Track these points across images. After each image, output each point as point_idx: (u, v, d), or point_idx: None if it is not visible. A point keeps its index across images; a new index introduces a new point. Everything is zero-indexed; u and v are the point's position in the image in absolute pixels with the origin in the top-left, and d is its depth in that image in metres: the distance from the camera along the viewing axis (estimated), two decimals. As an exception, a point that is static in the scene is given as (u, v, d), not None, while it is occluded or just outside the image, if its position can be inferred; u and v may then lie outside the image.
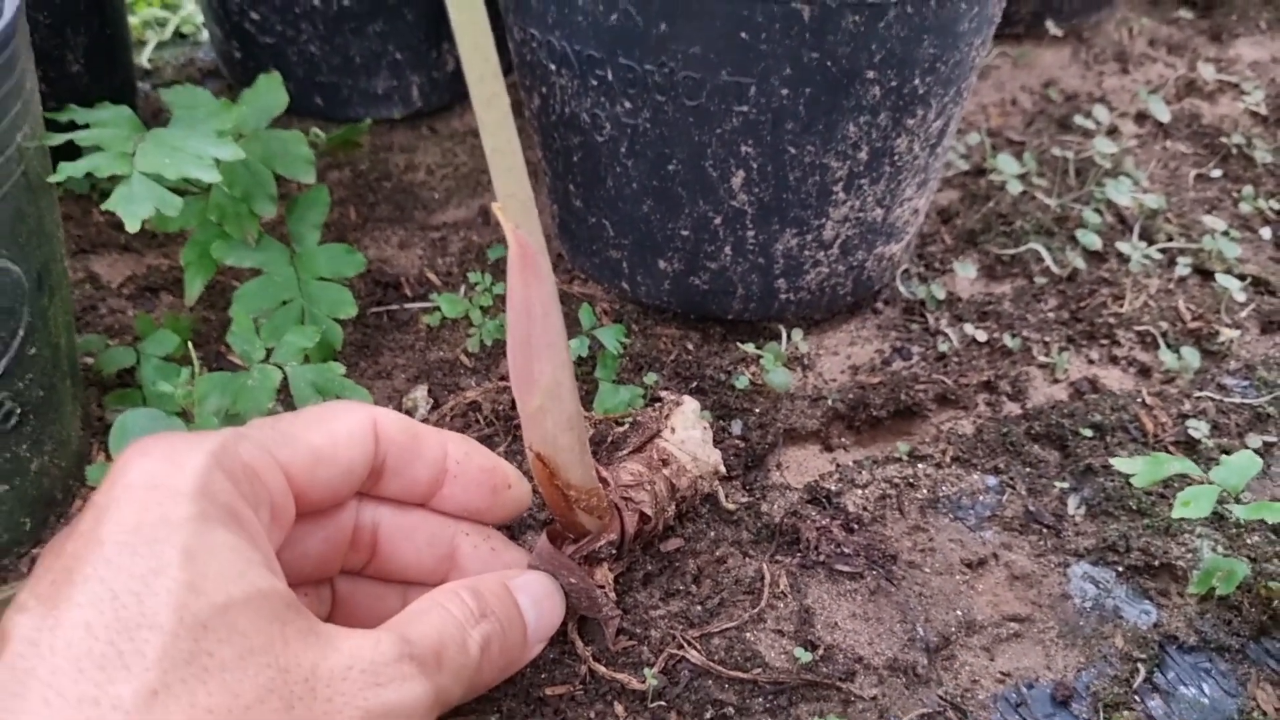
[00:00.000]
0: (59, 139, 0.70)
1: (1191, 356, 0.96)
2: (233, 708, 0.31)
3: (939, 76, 0.83)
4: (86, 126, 0.74)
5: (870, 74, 0.80)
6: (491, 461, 0.49)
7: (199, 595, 0.33)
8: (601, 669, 0.69)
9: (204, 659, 0.32)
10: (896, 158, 0.87)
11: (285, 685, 0.32)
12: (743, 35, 0.77)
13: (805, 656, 0.71)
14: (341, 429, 0.42)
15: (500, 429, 0.88)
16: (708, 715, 0.68)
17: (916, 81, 0.82)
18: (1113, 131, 1.27)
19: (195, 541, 0.34)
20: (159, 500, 0.35)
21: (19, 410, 0.72)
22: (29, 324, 0.71)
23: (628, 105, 0.84)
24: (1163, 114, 1.18)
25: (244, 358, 0.75)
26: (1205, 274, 1.06)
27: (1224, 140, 1.24)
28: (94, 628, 0.31)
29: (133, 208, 0.66)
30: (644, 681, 0.68)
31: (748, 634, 0.73)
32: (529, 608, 0.41)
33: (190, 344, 0.81)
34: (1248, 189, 1.17)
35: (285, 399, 0.77)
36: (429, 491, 0.47)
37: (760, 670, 0.70)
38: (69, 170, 0.68)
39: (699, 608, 0.74)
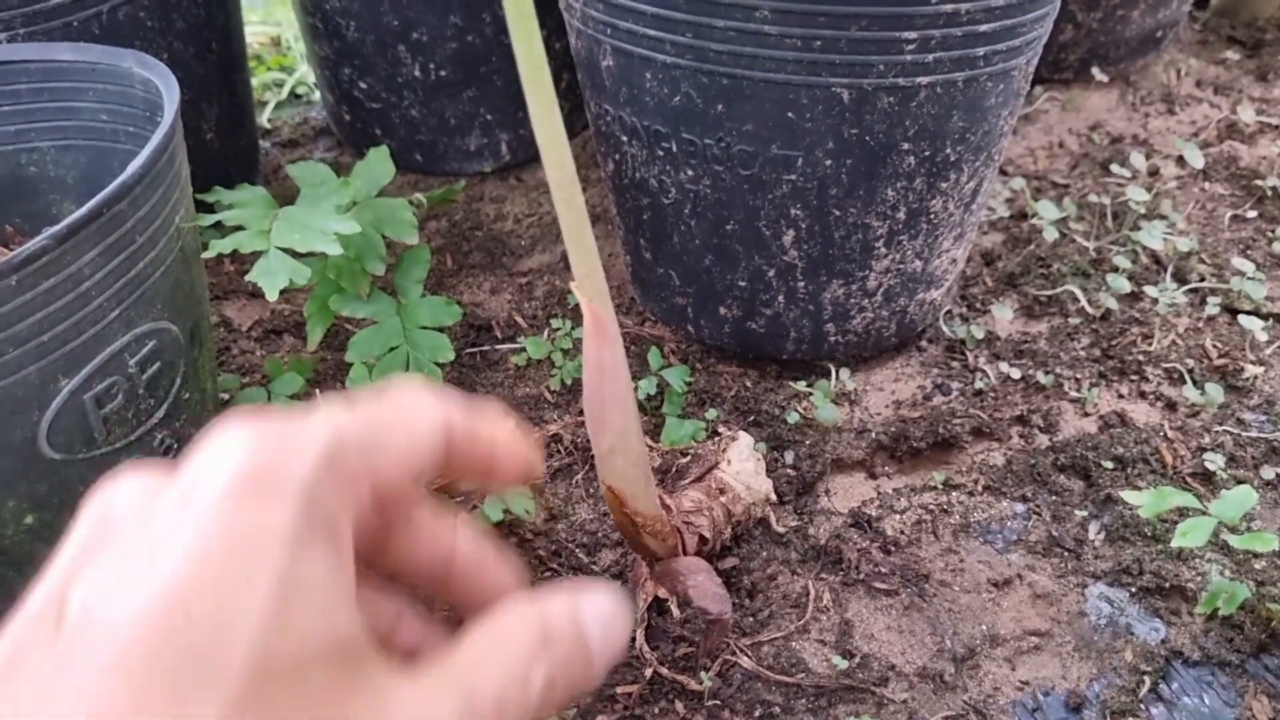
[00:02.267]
0: (209, 219, 0.84)
1: (1215, 392, 1.03)
2: None
3: (969, 145, 0.92)
4: (228, 205, 0.88)
5: (905, 145, 0.89)
6: (527, 454, 0.44)
7: (281, 638, 0.28)
8: (665, 671, 0.80)
9: (266, 707, 0.27)
10: (933, 216, 0.96)
11: None
12: (789, 115, 0.87)
13: (844, 664, 0.82)
14: (422, 433, 0.38)
15: (578, 458, 0.99)
16: (757, 714, 0.78)
17: (948, 150, 0.91)
18: (1154, 173, 1.34)
19: (291, 567, 0.29)
20: (260, 502, 0.29)
21: (176, 445, 0.86)
22: (184, 373, 0.84)
23: (690, 173, 0.95)
24: (1197, 160, 1.25)
25: (360, 400, 0.88)
26: (1234, 313, 1.13)
27: (1260, 183, 1.31)
28: (159, 647, 0.27)
29: (271, 279, 0.80)
30: (701, 683, 0.79)
31: (794, 643, 0.83)
32: (596, 633, 0.36)
33: (312, 384, 0.94)
34: (1282, 229, 1.24)
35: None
36: (470, 483, 0.45)
37: (804, 675, 0.81)
38: (219, 247, 0.81)
39: (751, 619, 0.85)
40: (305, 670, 0.29)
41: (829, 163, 0.90)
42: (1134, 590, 0.87)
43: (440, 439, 0.37)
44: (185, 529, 0.28)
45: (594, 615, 0.37)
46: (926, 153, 0.90)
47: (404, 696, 0.31)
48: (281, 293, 1.17)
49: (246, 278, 0.82)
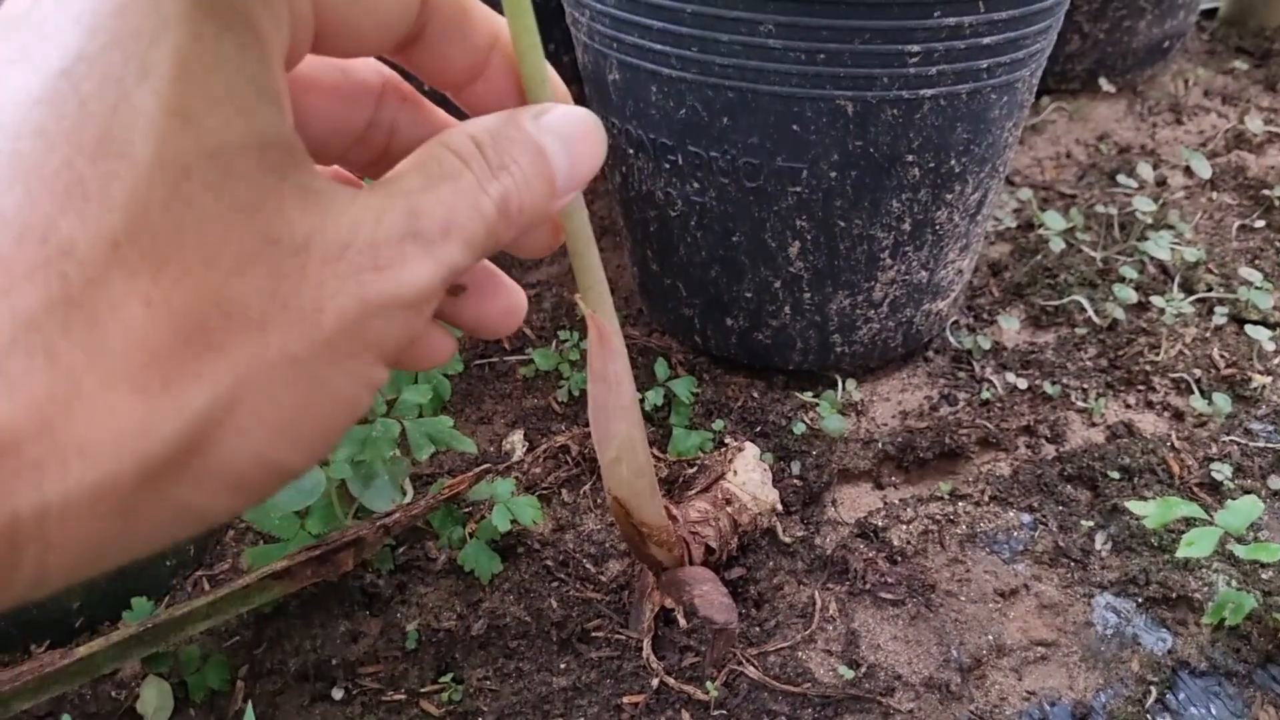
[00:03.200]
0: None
1: (1223, 402, 1.03)
2: (207, 276, 0.24)
3: (974, 157, 0.93)
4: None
5: (910, 157, 0.90)
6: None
7: (188, 125, 0.24)
8: (671, 681, 0.81)
9: (180, 209, 0.24)
10: (938, 227, 0.97)
11: (272, 258, 0.25)
12: (794, 127, 0.88)
13: (850, 673, 0.82)
14: None
15: (586, 469, 1.00)
16: (763, 723, 0.79)
17: (953, 162, 0.92)
18: (1162, 183, 1.35)
19: (193, 48, 0.25)
20: None
21: (187, 456, 0.86)
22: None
23: (696, 186, 0.96)
24: (1204, 170, 1.25)
25: (369, 412, 0.89)
26: (1242, 322, 1.13)
27: (1268, 192, 1.31)
28: (53, 139, 0.23)
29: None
30: (707, 693, 0.80)
31: (800, 653, 0.83)
32: (557, 151, 0.33)
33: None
34: (1290, 239, 1.24)
35: (404, 445, 0.90)
36: (460, 80, 0.38)
37: (810, 685, 0.81)
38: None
39: (757, 629, 0.85)
40: (221, 161, 0.25)
41: (834, 174, 0.90)
42: (1141, 600, 0.87)
43: None
44: (71, 6, 0.25)
45: (555, 132, 0.34)
46: (931, 164, 0.91)
47: (345, 206, 0.28)
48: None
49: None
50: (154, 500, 0.24)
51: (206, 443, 0.24)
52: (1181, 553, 0.79)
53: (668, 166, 0.96)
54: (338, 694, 0.83)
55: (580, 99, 1.17)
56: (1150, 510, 0.83)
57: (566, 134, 0.34)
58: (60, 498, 0.22)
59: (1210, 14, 1.75)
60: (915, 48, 0.83)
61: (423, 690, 0.83)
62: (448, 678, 0.83)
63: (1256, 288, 1.14)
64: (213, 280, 0.24)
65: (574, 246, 0.68)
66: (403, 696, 0.82)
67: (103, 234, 0.23)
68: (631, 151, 0.99)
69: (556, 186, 0.33)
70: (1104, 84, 1.49)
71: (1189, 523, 0.90)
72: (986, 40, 0.85)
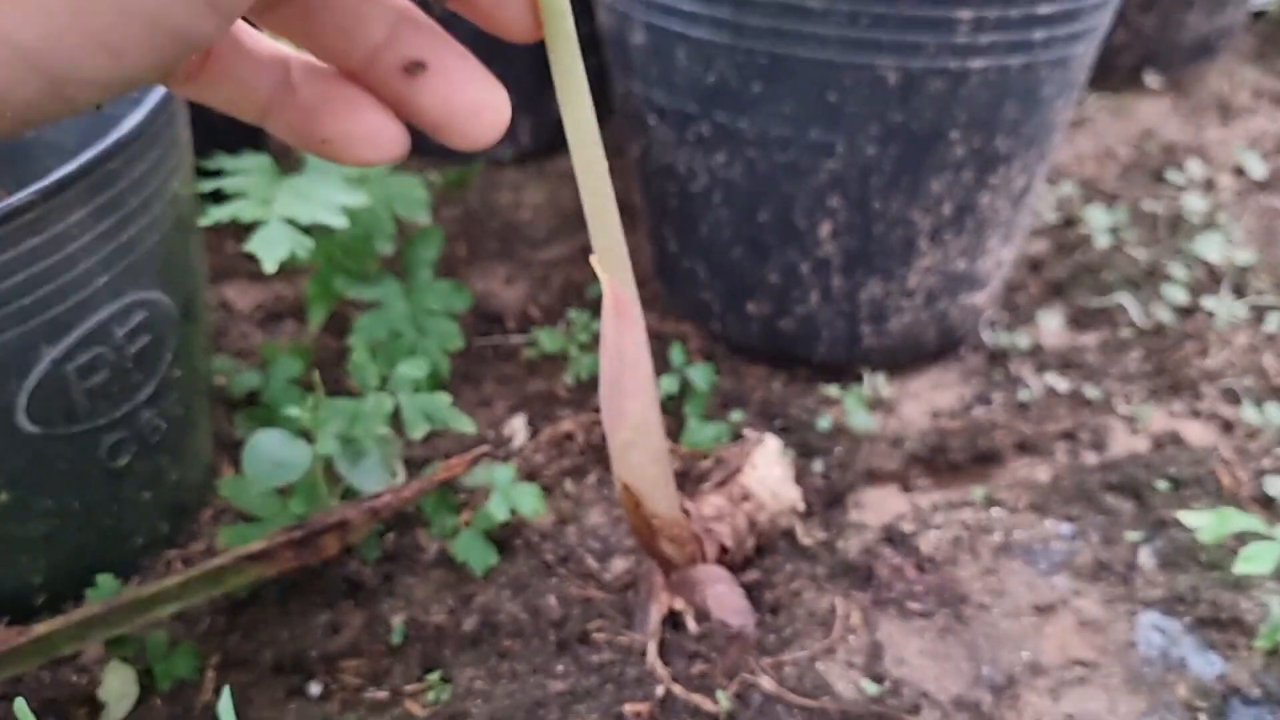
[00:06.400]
0: (209, 185, 0.79)
1: (1275, 413, 0.96)
2: None
3: (1022, 137, 0.86)
4: (231, 173, 0.82)
5: (954, 134, 0.84)
6: None
7: None
8: (678, 690, 0.74)
9: None
10: (979, 213, 0.90)
11: None
12: (831, 97, 0.82)
13: (873, 688, 0.75)
14: None
15: (592, 459, 0.93)
16: (776, 739, 0.72)
17: (999, 142, 0.85)
18: (1209, 184, 1.28)
19: None
20: None
21: (163, 426, 0.80)
22: (175, 349, 0.79)
23: (721, 158, 0.89)
24: (1258, 170, 1.18)
25: (361, 386, 0.82)
26: (1295, 331, 1.06)
27: (1322, 196, 1.24)
28: None
29: (271, 250, 0.74)
30: (718, 703, 0.73)
31: (819, 664, 0.77)
32: None
33: (312, 368, 0.89)
34: (1345, 245, 1.17)
35: (397, 423, 0.84)
36: None
37: (829, 699, 0.74)
38: (217, 214, 0.76)
39: (773, 636, 0.79)
40: None
41: (871, 150, 0.84)
42: (1189, 621, 0.80)
43: None
44: None
45: None
46: (976, 143, 0.85)
47: None
48: (285, 274, 1.12)
49: (244, 247, 0.77)
50: None
51: None
52: (1239, 569, 0.73)
53: (692, 138, 0.90)
54: (315, 689, 0.77)
55: (597, 73, 1.12)
56: (1205, 522, 0.76)
57: None
58: None
59: (1260, 16, 1.69)
60: (966, 13, 0.77)
61: (407, 689, 0.76)
62: (435, 676, 0.77)
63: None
64: None
65: (591, 203, 0.62)
66: (385, 694, 0.76)
67: None
68: (653, 121, 0.93)
69: None
70: (1149, 80, 1.43)
71: (1241, 538, 0.84)
72: (1042, 9, 0.79)
